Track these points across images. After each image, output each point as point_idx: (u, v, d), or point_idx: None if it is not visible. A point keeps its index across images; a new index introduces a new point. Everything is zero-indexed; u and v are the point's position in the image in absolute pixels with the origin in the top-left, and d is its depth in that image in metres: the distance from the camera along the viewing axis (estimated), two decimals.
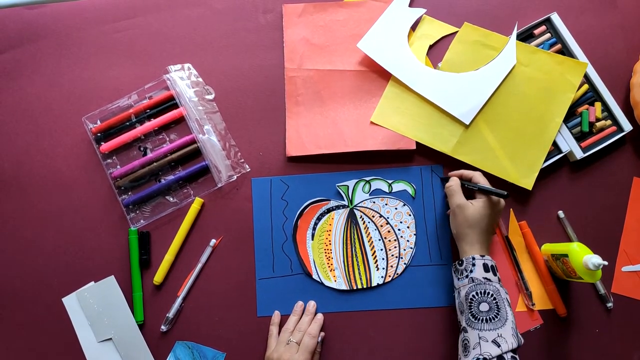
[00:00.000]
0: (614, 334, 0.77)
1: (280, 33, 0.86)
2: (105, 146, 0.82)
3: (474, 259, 0.70)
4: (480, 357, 0.64)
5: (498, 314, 0.66)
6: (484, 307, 0.67)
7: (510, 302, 0.68)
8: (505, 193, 0.71)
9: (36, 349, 0.78)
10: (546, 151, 0.79)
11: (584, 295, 0.78)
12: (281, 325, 0.78)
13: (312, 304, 0.79)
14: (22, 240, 0.81)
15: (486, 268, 0.69)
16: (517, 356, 0.64)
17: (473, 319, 0.67)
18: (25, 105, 0.85)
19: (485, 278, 0.69)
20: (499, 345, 0.64)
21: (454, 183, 0.76)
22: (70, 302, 0.79)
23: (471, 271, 0.70)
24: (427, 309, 0.78)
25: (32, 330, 0.79)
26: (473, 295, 0.68)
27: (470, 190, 0.76)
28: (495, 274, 0.70)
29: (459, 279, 0.72)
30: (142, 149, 0.83)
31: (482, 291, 0.68)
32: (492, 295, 0.67)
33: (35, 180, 0.82)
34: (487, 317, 0.66)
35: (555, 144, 0.80)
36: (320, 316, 0.78)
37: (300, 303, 0.79)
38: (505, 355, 0.63)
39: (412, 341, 0.78)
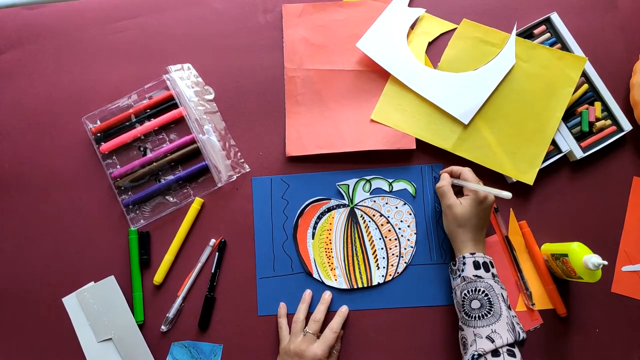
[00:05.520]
0: (614, 334, 0.77)
1: (280, 33, 0.86)
2: (105, 146, 0.82)
3: (464, 257, 0.71)
4: (475, 353, 0.64)
5: (491, 310, 0.67)
6: (475, 304, 0.68)
7: (506, 297, 0.69)
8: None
9: (36, 349, 0.78)
10: (547, 146, 0.79)
11: (584, 295, 0.78)
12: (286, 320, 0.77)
13: (327, 294, 0.78)
14: (22, 240, 0.81)
15: (476, 265, 0.70)
16: (515, 350, 0.64)
17: (467, 317, 0.68)
18: (25, 105, 0.85)
19: (476, 275, 0.69)
20: (492, 341, 0.64)
21: (445, 183, 0.76)
22: (70, 302, 0.79)
23: (462, 270, 0.70)
24: (427, 308, 0.78)
25: (32, 330, 0.79)
26: (465, 294, 0.69)
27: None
28: (487, 270, 0.70)
29: (453, 278, 0.72)
30: (142, 149, 0.83)
31: (473, 289, 0.68)
32: (483, 291, 0.68)
33: (35, 180, 0.82)
34: (480, 314, 0.67)
35: (555, 143, 0.80)
36: (344, 309, 0.77)
37: (308, 291, 0.78)
38: (500, 350, 0.64)
39: (412, 340, 0.77)
